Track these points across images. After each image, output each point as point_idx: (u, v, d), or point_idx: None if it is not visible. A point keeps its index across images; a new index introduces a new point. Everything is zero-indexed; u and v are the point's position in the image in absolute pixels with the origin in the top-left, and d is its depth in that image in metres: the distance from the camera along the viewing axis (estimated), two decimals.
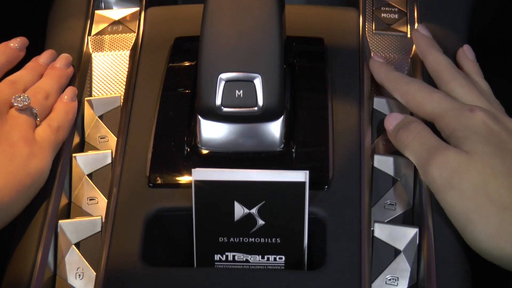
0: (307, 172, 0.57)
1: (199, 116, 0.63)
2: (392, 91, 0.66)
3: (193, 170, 0.58)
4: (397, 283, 0.58)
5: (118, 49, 0.73)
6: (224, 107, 0.61)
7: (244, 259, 0.60)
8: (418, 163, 0.60)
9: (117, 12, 0.75)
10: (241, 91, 0.61)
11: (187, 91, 0.67)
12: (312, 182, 0.58)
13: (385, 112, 0.67)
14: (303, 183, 0.57)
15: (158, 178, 0.62)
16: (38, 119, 0.65)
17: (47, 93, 0.67)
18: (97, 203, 0.64)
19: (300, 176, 0.57)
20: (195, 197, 0.58)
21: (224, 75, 0.61)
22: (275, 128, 0.62)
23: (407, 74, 0.70)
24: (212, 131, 0.63)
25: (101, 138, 0.68)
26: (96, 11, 0.75)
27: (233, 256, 0.60)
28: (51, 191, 0.63)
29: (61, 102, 0.68)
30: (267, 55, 0.61)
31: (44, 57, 0.71)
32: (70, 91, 0.69)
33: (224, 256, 0.60)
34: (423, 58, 0.68)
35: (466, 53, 0.69)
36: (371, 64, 0.69)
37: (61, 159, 0.65)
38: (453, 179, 0.57)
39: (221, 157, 0.63)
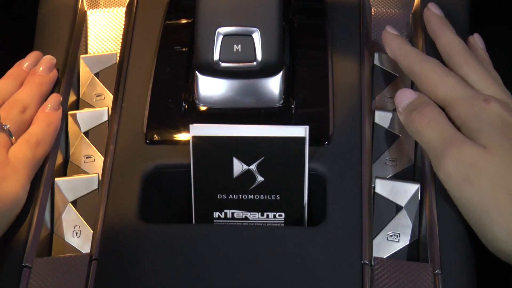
0: (307, 127, 0.56)
1: (197, 72, 0.61)
2: (404, 67, 0.63)
3: (191, 125, 0.57)
4: (399, 239, 0.57)
5: (113, 6, 0.71)
6: (222, 62, 0.60)
7: (244, 217, 0.59)
8: (432, 154, 0.57)
9: None
10: (239, 46, 0.60)
11: (184, 47, 0.66)
12: (312, 138, 0.57)
13: (386, 68, 0.66)
14: (303, 139, 0.57)
15: (155, 135, 0.61)
16: (13, 137, 0.60)
17: (25, 106, 0.62)
18: (94, 161, 0.63)
19: (300, 131, 0.56)
20: (193, 153, 0.57)
21: (222, 30, 0.60)
22: (274, 84, 0.61)
23: (408, 30, 0.69)
24: (210, 87, 0.62)
25: (97, 96, 0.67)
26: None
27: (232, 214, 0.59)
28: None
29: (42, 113, 0.62)
30: (265, 8, 0.60)
31: (28, 61, 0.66)
32: (53, 99, 0.63)
33: (223, 213, 0.59)
34: (434, 38, 0.65)
35: (477, 42, 0.65)
36: (384, 36, 0.65)
37: None
38: (470, 174, 0.54)
39: (220, 113, 0.62)
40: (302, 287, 0.53)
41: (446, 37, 0.64)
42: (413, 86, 0.64)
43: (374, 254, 0.56)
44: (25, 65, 0.66)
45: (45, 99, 0.64)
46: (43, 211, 0.59)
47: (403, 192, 0.59)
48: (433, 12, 0.66)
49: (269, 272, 0.54)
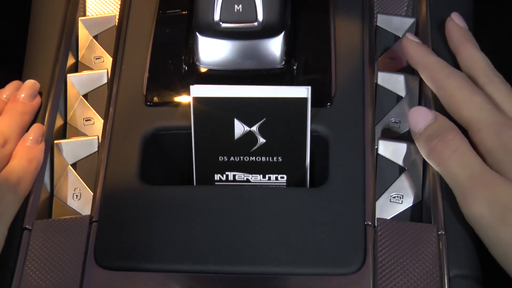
0: (309, 87, 0.55)
1: (197, 33, 0.60)
2: (427, 79, 0.59)
3: (191, 86, 0.56)
4: (402, 201, 0.57)
5: None
6: (223, 22, 0.59)
7: (245, 179, 0.59)
8: (457, 190, 0.53)
9: None
10: (240, 6, 0.59)
11: (184, 8, 0.65)
12: (314, 99, 0.56)
13: (389, 29, 0.65)
14: (305, 99, 0.56)
15: (155, 97, 0.60)
16: None
17: (4, 138, 0.57)
18: (93, 123, 0.62)
19: (302, 91, 0.56)
20: (194, 115, 0.57)
21: None
22: (275, 45, 0.60)
23: (412, 5, 0.67)
24: (211, 49, 0.61)
25: (96, 59, 0.66)
26: None
27: (234, 176, 0.59)
28: (45, 112, 0.61)
29: (23, 146, 0.57)
30: None
31: (7, 91, 0.61)
32: (36, 131, 0.58)
33: (224, 175, 0.59)
34: (455, 52, 0.61)
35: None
36: (405, 45, 0.61)
37: (55, 80, 0.63)
38: (507, 216, 0.51)
39: (220, 75, 0.61)
40: (304, 248, 0.53)
41: (468, 52, 0.60)
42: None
43: (377, 216, 0.55)
44: (4, 96, 0.61)
45: (26, 129, 0.59)
46: (43, 174, 0.58)
47: (407, 153, 0.58)
48: (456, 24, 0.62)
49: (271, 233, 0.53)
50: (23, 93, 0.60)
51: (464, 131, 0.56)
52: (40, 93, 0.62)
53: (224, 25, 0.59)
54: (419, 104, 0.61)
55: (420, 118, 0.56)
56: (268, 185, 0.59)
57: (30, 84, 0.61)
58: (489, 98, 0.57)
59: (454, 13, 0.62)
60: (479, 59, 0.59)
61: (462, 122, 0.56)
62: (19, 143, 0.58)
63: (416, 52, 0.60)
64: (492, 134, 0.54)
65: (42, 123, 0.61)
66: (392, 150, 0.58)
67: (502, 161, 0.53)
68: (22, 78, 0.65)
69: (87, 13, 0.69)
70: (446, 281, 0.52)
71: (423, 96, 0.60)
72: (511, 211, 0.51)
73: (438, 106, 0.59)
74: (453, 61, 0.61)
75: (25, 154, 0.57)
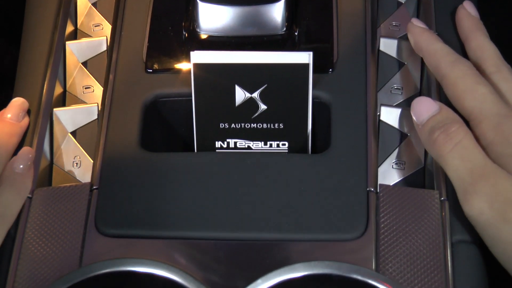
0: (311, 53, 0.55)
1: None
2: (431, 67, 0.57)
3: (191, 53, 0.55)
4: (404, 167, 0.57)
5: None
6: None
7: (246, 146, 0.58)
8: (458, 185, 0.52)
9: None
10: None
11: None
12: (316, 65, 0.55)
13: None
14: (306, 65, 0.55)
15: (155, 64, 0.60)
16: None
17: None
18: (93, 91, 0.62)
19: (303, 57, 0.55)
20: (194, 81, 0.56)
21: None
22: (277, 10, 0.60)
23: None
24: (211, 15, 0.60)
25: (95, 26, 0.65)
26: None
27: (235, 143, 0.58)
28: (44, 80, 0.61)
29: (11, 174, 0.54)
30: None
31: None
32: (24, 156, 0.55)
33: (225, 143, 0.58)
34: (465, 41, 0.59)
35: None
36: (410, 30, 0.59)
37: (54, 48, 0.62)
38: (507, 211, 0.49)
39: (221, 41, 0.60)
40: (306, 214, 0.52)
41: (478, 41, 0.58)
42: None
43: (379, 182, 0.55)
44: None
45: (13, 152, 0.56)
46: (42, 142, 0.58)
47: (409, 119, 0.57)
48: (468, 12, 0.60)
49: (273, 199, 0.53)
50: (9, 113, 0.57)
51: (467, 122, 0.54)
52: (28, 112, 0.58)
53: None
54: (421, 74, 0.60)
55: (423, 109, 0.54)
56: (269, 152, 0.58)
57: (18, 102, 0.58)
58: (495, 88, 0.55)
59: (466, 1, 0.61)
60: (489, 48, 0.58)
61: (464, 113, 0.55)
62: (7, 169, 0.54)
63: (421, 38, 0.58)
64: (493, 126, 0.53)
65: (41, 91, 0.60)
66: (394, 116, 0.58)
67: (502, 154, 0.52)
68: (20, 46, 0.65)
69: None
70: (448, 246, 0.51)
71: (425, 64, 0.59)
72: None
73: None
74: (459, 48, 0.60)
75: (14, 183, 0.54)
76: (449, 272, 0.51)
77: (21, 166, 0.55)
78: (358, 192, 0.53)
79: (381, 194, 0.54)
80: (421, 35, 0.58)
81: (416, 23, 0.59)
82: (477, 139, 0.53)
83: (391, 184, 0.56)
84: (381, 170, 0.56)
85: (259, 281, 0.50)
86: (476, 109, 0.54)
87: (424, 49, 0.58)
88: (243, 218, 0.53)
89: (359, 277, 0.50)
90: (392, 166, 0.57)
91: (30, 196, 0.55)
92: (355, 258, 0.51)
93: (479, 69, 0.57)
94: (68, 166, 0.58)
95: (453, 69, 0.56)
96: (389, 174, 0.56)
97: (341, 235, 0.52)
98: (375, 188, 0.54)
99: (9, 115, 0.57)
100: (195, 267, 0.51)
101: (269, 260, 0.51)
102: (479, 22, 0.60)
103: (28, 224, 0.54)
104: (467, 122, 0.54)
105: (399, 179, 0.56)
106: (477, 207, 0.50)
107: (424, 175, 0.57)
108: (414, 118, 0.55)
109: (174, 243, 0.52)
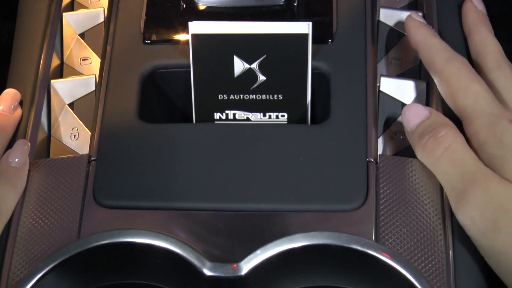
0: (310, 23, 0.54)
1: None
2: (425, 62, 0.55)
3: (190, 23, 0.55)
4: (404, 138, 0.56)
5: None
6: None
7: (245, 117, 0.58)
8: (449, 191, 0.50)
9: None
10: None
11: None
12: (315, 36, 0.55)
13: None
14: (305, 35, 0.55)
15: (153, 35, 0.59)
16: None
17: None
18: (91, 63, 0.61)
19: (303, 27, 0.54)
20: (193, 52, 0.56)
21: None
22: None
23: None
24: None
25: None
26: None
27: (234, 114, 0.58)
28: (41, 51, 0.60)
29: (7, 167, 0.53)
30: None
31: None
32: (20, 150, 0.54)
33: (224, 114, 0.58)
34: (468, 35, 0.58)
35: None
36: (408, 23, 0.57)
37: (51, 19, 0.62)
38: (499, 219, 0.47)
39: (219, 12, 0.60)
40: (306, 185, 0.52)
41: (481, 36, 0.57)
42: None
43: (379, 153, 0.54)
44: None
45: (6, 146, 0.55)
46: (40, 114, 0.58)
47: (409, 90, 0.57)
48: (474, 6, 0.59)
49: (272, 170, 0.53)
50: (1, 105, 0.56)
51: (460, 122, 0.53)
52: (21, 103, 0.57)
53: None
54: None
55: (413, 115, 0.52)
56: (268, 123, 0.58)
57: (10, 94, 0.57)
58: (494, 85, 0.54)
59: None
60: (491, 43, 0.56)
61: (457, 111, 0.53)
62: (2, 163, 0.53)
63: (418, 32, 0.57)
64: (486, 125, 0.51)
65: (38, 63, 0.60)
66: (394, 87, 0.57)
67: (494, 155, 0.50)
68: (16, 19, 0.64)
69: None
70: (449, 215, 0.51)
71: None
72: (504, 214, 0.47)
73: None
74: (459, 42, 0.59)
75: (9, 179, 0.53)
76: (449, 242, 0.51)
77: (17, 160, 0.53)
78: (357, 163, 0.53)
79: (381, 165, 0.53)
80: (418, 29, 0.57)
81: (415, 16, 0.58)
82: (469, 139, 0.52)
83: (391, 155, 0.55)
84: (381, 140, 0.56)
85: (258, 251, 0.50)
86: (469, 107, 0.52)
87: (419, 44, 0.56)
88: (242, 189, 0.52)
89: (359, 248, 0.50)
90: (392, 137, 0.56)
91: (28, 168, 0.55)
92: (354, 228, 0.51)
93: (480, 64, 0.56)
94: (66, 138, 0.58)
95: (447, 65, 0.54)
96: (389, 145, 0.56)
97: (340, 206, 0.52)
98: (375, 158, 0.53)
99: (1, 107, 0.56)
100: (194, 238, 0.51)
101: (268, 231, 0.51)
102: (484, 17, 0.58)
103: (25, 196, 0.54)
104: (460, 122, 0.53)
105: (399, 150, 0.56)
106: (468, 216, 0.48)
107: None
108: (404, 125, 0.53)
109: (172, 214, 0.52)
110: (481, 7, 0.59)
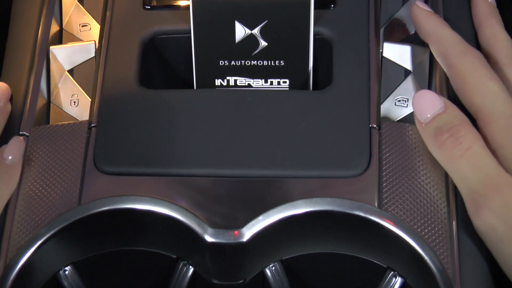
0: None
1: None
2: (438, 55, 0.53)
3: None
4: (407, 105, 0.56)
5: None
6: None
7: (247, 84, 0.57)
8: (467, 195, 0.48)
9: None
10: None
11: None
12: (317, 1, 0.54)
13: None
14: (308, 0, 0.54)
15: (153, 0, 0.58)
16: None
17: None
18: (90, 29, 0.60)
19: None
20: (193, 17, 0.55)
21: None
22: None
23: None
24: None
25: None
26: None
27: (235, 81, 0.57)
28: (40, 17, 0.59)
29: (1, 164, 0.51)
30: None
31: None
32: (15, 146, 0.52)
33: (225, 80, 0.57)
34: (477, 28, 0.56)
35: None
36: (415, 13, 0.55)
37: None
38: None
39: None
40: (308, 151, 0.52)
41: (492, 29, 0.54)
42: None
43: (382, 119, 0.54)
44: None
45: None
46: (39, 80, 0.57)
47: (412, 56, 0.56)
48: None
49: (274, 136, 0.52)
50: None
51: (473, 119, 0.51)
52: (11, 99, 0.56)
53: None
54: None
55: (427, 105, 0.50)
56: (270, 89, 0.57)
57: (1, 89, 0.55)
58: (507, 81, 0.52)
59: None
60: (502, 38, 0.54)
61: (472, 110, 0.51)
62: None
63: (427, 22, 0.54)
64: (503, 128, 0.49)
65: (37, 29, 0.59)
66: (397, 53, 0.57)
67: None
68: None
69: None
70: (451, 182, 0.51)
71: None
72: None
73: None
74: (466, 34, 0.56)
75: (3, 175, 0.51)
76: (452, 210, 0.50)
77: (11, 157, 0.52)
78: (360, 129, 0.52)
79: (383, 131, 0.53)
80: (427, 19, 0.54)
81: (421, 5, 0.55)
82: (485, 140, 0.49)
83: (394, 121, 0.55)
84: (384, 107, 0.55)
85: (260, 217, 0.49)
86: (485, 107, 0.50)
87: (431, 35, 0.54)
88: (243, 155, 0.52)
89: (361, 214, 0.50)
90: (395, 103, 0.56)
91: (27, 134, 0.54)
92: (357, 195, 0.50)
93: (491, 59, 0.54)
94: (65, 105, 0.57)
95: (462, 60, 0.52)
96: (392, 112, 0.55)
97: (343, 172, 0.51)
98: (378, 124, 0.53)
99: None
100: (195, 204, 0.51)
101: (270, 197, 0.51)
102: (495, 9, 0.56)
103: (25, 163, 0.53)
104: (473, 119, 0.51)
105: (402, 116, 0.55)
106: (489, 222, 0.47)
107: None
108: (415, 114, 0.51)
109: (173, 181, 0.51)
110: None
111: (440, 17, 0.56)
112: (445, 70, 0.53)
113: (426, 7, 0.55)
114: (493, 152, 0.49)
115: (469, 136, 0.49)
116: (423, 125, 0.50)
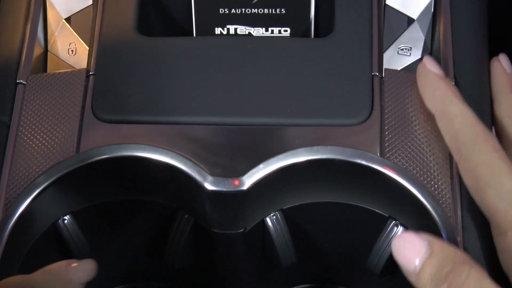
0: None
1: None
2: (446, 135, 0.47)
3: None
4: (410, 53, 0.55)
5: None
6: None
7: (247, 32, 0.56)
8: None
9: None
10: None
11: None
12: None
13: None
14: None
15: None
16: None
17: None
18: None
19: None
20: None
21: None
22: None
23: None
24: None
25: None
26: None
27: (235, 29, 0.56)
28: None
29: None
30: None
31: None
32: (83, 268, 0.49)
33: (225, 29, 0.56)
34: (494, 101, 0.51)
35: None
36: (420, 75, 0.50)
37: None
38: None
39: None
40: (310, 99, 0.51)
41: (507, 107, 0.50)
42: None
43: (385, 67, 0.53)
44: None
45: None
46: (36, 29, 0.56)
47: (416, 4, 0.55)
48: (502, 67, 0.52)
49: (275, 84, 0.51)
50: None
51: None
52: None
53: None
54: None
55: (410, 252, 0.43)
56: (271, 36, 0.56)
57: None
58: None
59: (502, 55, 0.53)
60: None
61: (485, 211, 0.45)
62: None
63: (435, 91, 0.48)
64: None
65: None
66: (400, 1, 0.55)
67: None
68: None
69: None
70: None
71: None
72: None
73: None
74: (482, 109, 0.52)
75: None
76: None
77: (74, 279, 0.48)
78: (362, 77, 0.52)
79: (386, 79, 0.52)
80: (435, 86, 0.48)
81: (430, 65, 0.49)
82: (499, 251, 0.44)
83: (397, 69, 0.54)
84: (387, 55, 0.54)
85: (260, 166, 0.49)
86: (501, 212, 0.43)
87: (438, 110, 0.48)
88: (243, 103, 0.51)
89: (363, 162, 0.49)
90: (398, 51, 0.55)
91: (24, 82, 0.54)
92: (359, 143, 0.50)
93: (504, 140, 0.49)
94: (63, 54, 0.56)
95: (474, 148, 0.45)
96: (394, 60, 0.55)
97: (344, 120, 0.51)
98: (380, 72, 0.52)
99: None
100: (195, 152, 0.50)
101: (271, 145, 0.50)
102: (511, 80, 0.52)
103: (23, 111, 0.52)
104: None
105: (405, 65, 0.54)
106: None
107: None
108: (402, 266, 0.43)
109: (173, 129, 0.51)
110: (509, 68, 0.52)
111: (451, 81, 0.51)
112: (453, 156, 0.48)
113: (434, 68, 0.50)
114: (507, 272, 0.44)
115: (470, 278, 0.41)
116: (414, 276, 0.42)
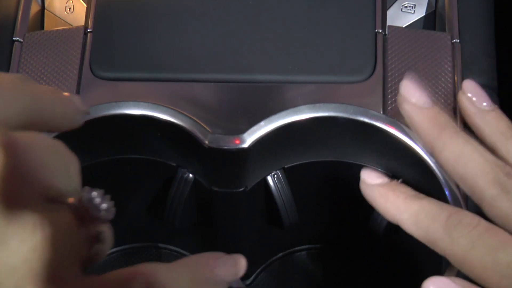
0: None
1: None
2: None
3: None
4: (414, 11, 0.54)
5: None
6: None
7: None
8: None
9: None
10: None
11: None
12: None
13: None
14: None
15: None
16: None
17: None
18: None
19: None
20: None
21: None
22: None
23: None
24: None
25: None
26: None
27: None
28: None
29: None
30: None
31: None
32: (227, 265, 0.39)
33: None
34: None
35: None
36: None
37: None
38: None
39: None
40: (313, 56, 0.50)
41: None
42: None
43: (389, 25, 0.52)
44: None
45: None
46: None
47: None
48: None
49: (277, 41, 0.51)
50: None
51: None
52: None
53: None
54: None
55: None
56: None
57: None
58: None
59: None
60: None
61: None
62: None
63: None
64: None
65: None
66: None
67: None
68: None
69: None
70: (458, 85, 0.49)
71: None
72: None
73: None
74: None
75: None
76: (458, 115, 0.49)
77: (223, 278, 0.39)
78: (365, 34, 0.51)
79: (390, 36, 0.51)
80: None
81: (370, 179, 0.47)
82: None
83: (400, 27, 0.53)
84: (390, 13, 0.53)
85: (262, 123, 0.48)
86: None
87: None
88: (244, 59, 0.50)
89: (366, 120, 0.48)
90: (402, 9, 0.54)
91: (20, 40, 0.53)
92: (361, 100, 0.49)
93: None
94: (60, 11, 0.56)
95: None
96: (398, 18, 0.54)
97: (347, 77, 0.50)
98: (384, 29, 0.51)
99: None
100: (195, 110, 0.49)
101: (273, 102, 0.49)
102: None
103: (20, 69, 0.52)
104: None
105: (409, 23, 0.54)
106: None
107: (435, 18, 0.54)
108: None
109: (173, 86, 0.50)
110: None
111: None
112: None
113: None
114: None
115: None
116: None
